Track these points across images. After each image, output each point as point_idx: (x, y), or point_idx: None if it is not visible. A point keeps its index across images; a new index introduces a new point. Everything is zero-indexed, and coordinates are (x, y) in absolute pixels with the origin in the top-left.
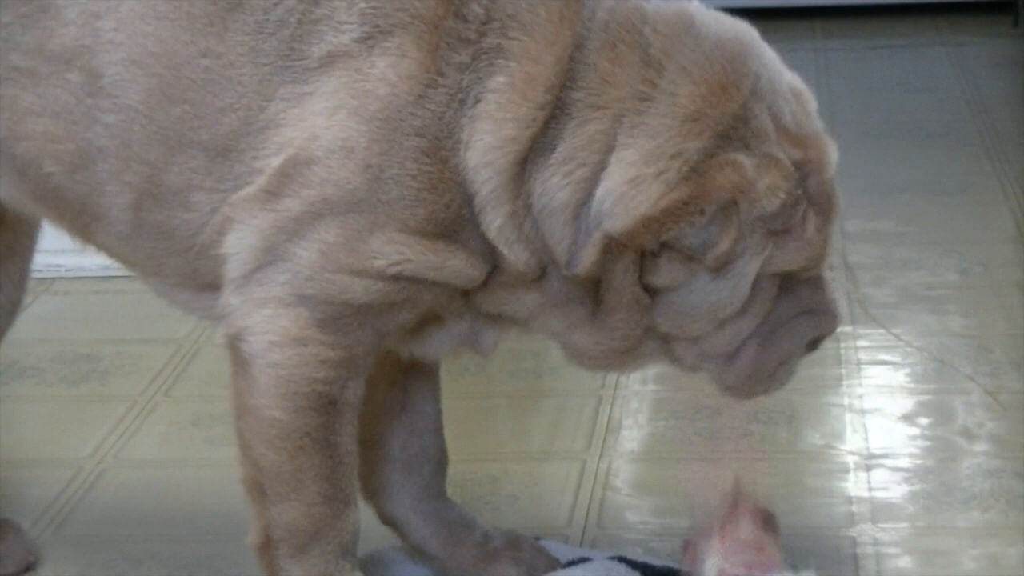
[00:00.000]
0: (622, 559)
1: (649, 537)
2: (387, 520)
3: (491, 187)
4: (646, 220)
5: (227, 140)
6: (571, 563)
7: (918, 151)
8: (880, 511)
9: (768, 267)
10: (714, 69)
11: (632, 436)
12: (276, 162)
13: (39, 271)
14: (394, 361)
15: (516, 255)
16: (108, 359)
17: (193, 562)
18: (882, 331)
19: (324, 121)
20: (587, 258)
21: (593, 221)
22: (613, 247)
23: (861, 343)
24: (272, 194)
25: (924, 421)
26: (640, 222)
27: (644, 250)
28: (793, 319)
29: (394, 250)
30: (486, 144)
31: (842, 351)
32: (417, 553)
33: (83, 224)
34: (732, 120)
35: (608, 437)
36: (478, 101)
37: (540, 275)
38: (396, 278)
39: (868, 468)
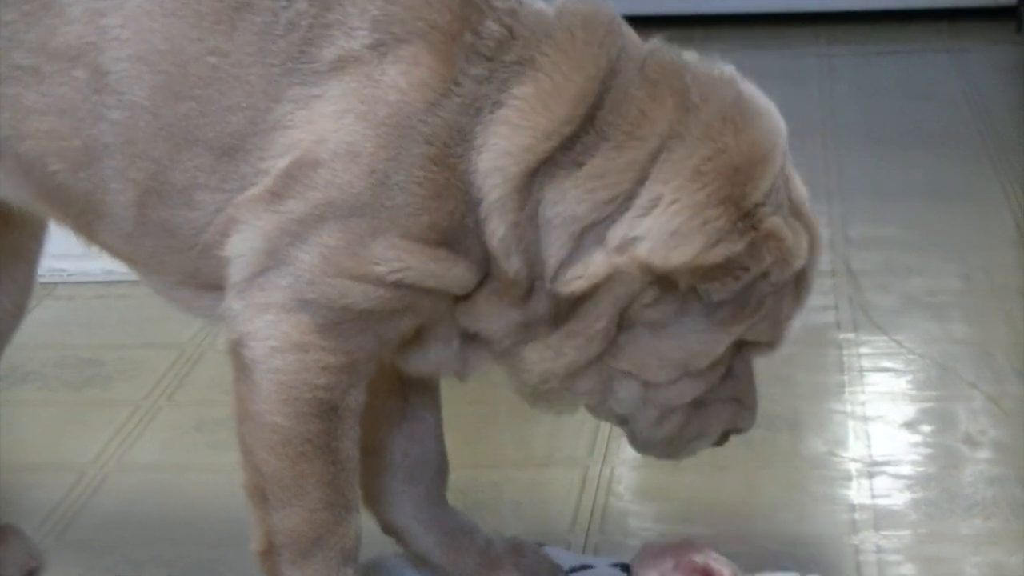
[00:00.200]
0: (625, 566)
1: (645, 544)
2: (388, 528)
3: (499, 194)
4: (695, 265)
5: (233, 139)
6: (574, 569)
7: (921, 156)
8: (883, 518)
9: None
10: (760, 128)
11: None
12: (282, 163)
13: (42, 275)
14: (394, 369)
15: (513, 266)
16: (111, 364)
17: (196, 567)
18: (884, 337)
19: (332, 124)
20: (591, 277)
21: (619, 243)
22: (626, 271)
23: (863, 349)
24: (277, 195)
25: (927, 428)
26: (689, 265)
27: (660, 283)
28: (723, 401)
29: (395, 256)
30: (500, 149)
31: (844, 358)
32: (419, 560)
33: (87, 222)
34: (772, 181)
35: (610, 443)
36: (499, 107)
37: (528, 290)
38: (397, 285)
39: (871, 475)
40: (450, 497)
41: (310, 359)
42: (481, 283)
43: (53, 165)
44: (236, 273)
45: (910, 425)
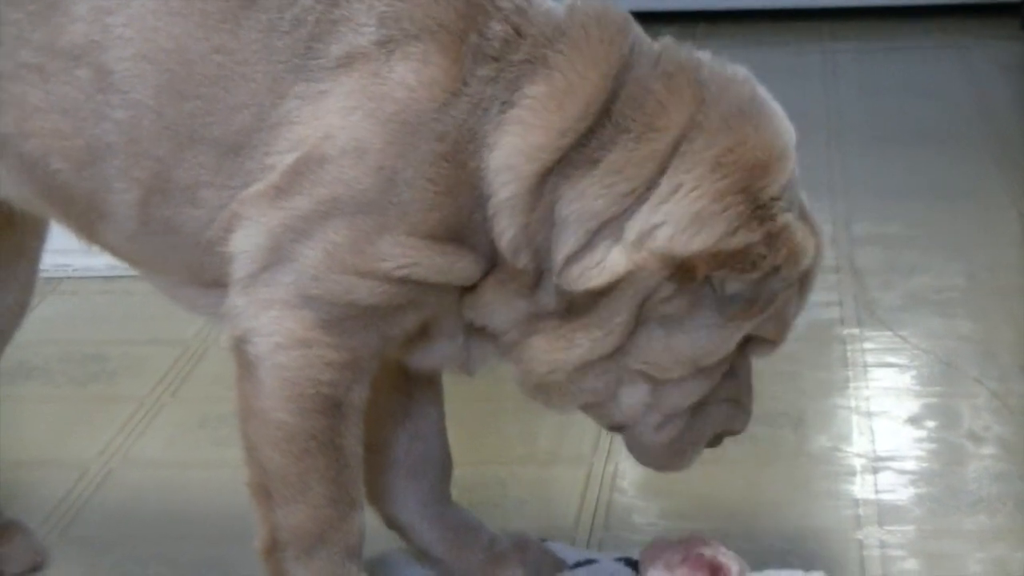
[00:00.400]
0: (629, 561)
1: (655, 538)
2: (392, 524)
3: (509, 192)
4: (715, 251)
5: (238, 137)
6: (578, 564)
7: (924, 154)
8: (887, 514)
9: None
10: (773, 128)
11: None
12: (288, 159)
13: (46, 271)
14: (397, 366)
15: (520, 261)
16: (115, 360)
17: (200, 563)
18: (889, 334)
19: (339, 121)
20: (610, 272)
21: (638, 235)
22: (645, 264)
23: (868, 346)
24: (282, 191)
25: (931, 424)
26: (710, 250)
27: (677, 276)
28: (720, 402)
29: (401, 253)
30: (513, 147)
31: (849, 354)
32: (423, 556)
33: (89, 222)
34: (788, 177)
35: (615, 440)
36: (511, 106)
37: (536, 282)
38: (403, 281)
39: (875, 471)
40: (454, 493)
41: (314, 355)
42: (487, 274)
43: (56, 164)
44: (239, 269)
45: (914, 421)
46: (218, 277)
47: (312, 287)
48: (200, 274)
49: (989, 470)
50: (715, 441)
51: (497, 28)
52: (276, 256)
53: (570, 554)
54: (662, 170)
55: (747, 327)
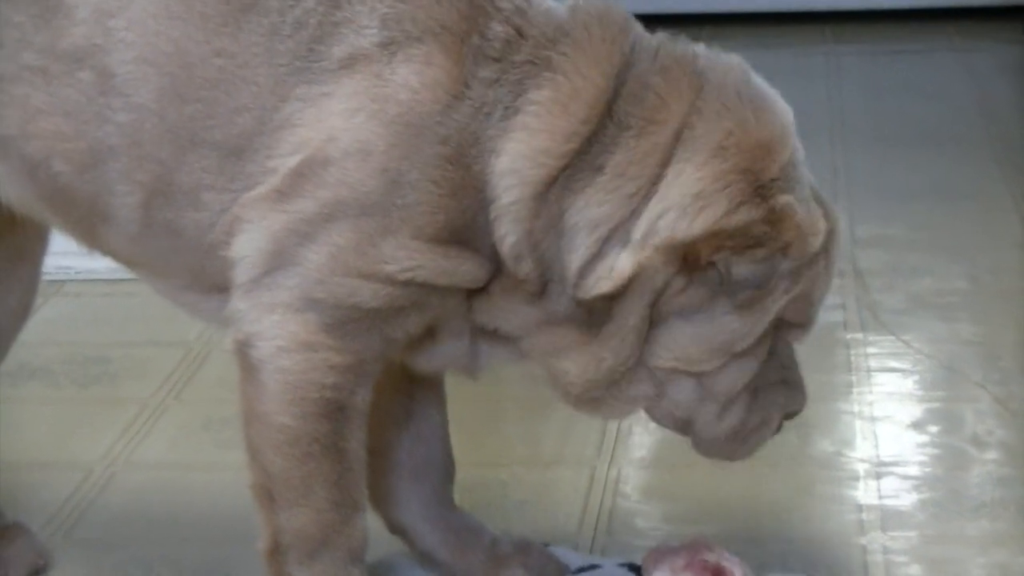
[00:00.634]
0: (632, 566)
1: (658, 543)
2: (395, 528)
3: (512, 197)
4: (717, 230)
5: (240, 140)
6: (581, 569)
7: (928, 157)
8: (890, 519)
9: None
10: (772, 111)
11: (642, 443)
12: (291, 162)
13: (49, 273)
14: (400, 369)
15: (523, 269)
16: (118, 362)
17: (202, 566)
18: (892, 338)
19: (342, 123)
20: (617, 277)
21: (645, 232)
22: (650, 263)
23: (871, 350)
24: (284, 194)
25: (934, 429)
26: (712, 230)
27: (684, 266)
28: (774, 385)
29: (405, 256)
30: (517, 152)
31: (852, 358)
32: (425, 560)
33: (91, 226)
34: (788, 158)
35: (618, 443)
36: (516, 112)
37: (541, 290)
38: (406, 283)
39: (878, 476)
40: (457, 497)
41: (318, 358)
42: (494, 276)
43: (58, 166)
44: (242, 274)
45: (917, 426)
46: (220, 281)
47: (316, 290)
48: (203, 278)
49: (992, 475)
50: (781, 424)
51: (498, 29)
52: (279, 260)
53: (573, 559)
54: (666, 162)
55: (774, 308)
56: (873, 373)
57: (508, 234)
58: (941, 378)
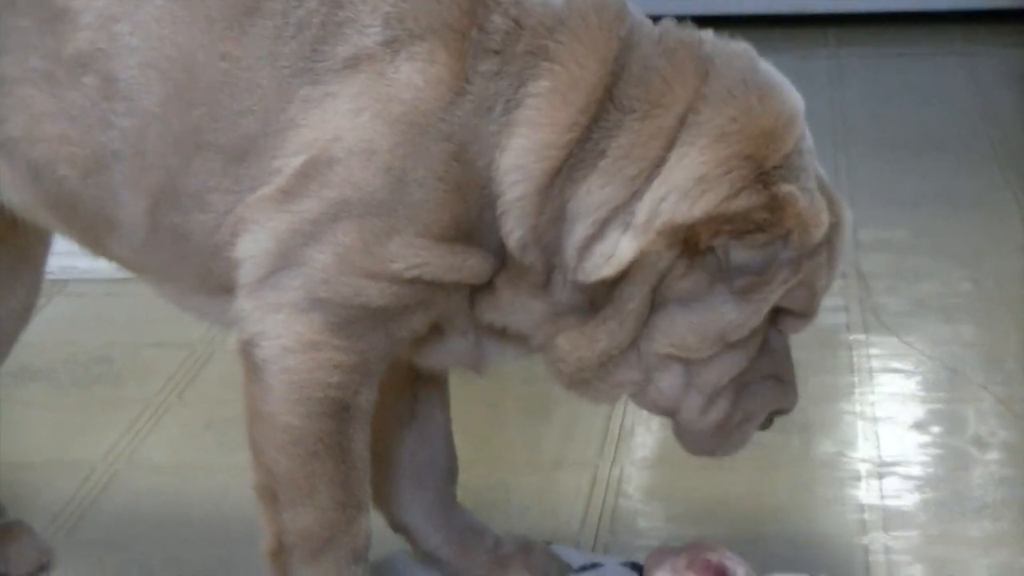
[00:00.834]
0: (634, 565)
1: (661, 543)
2: (398, 528)
3: (518, 192)
4: (717, 214)
5: (245, 142)
6: (583, 568)
7: (931, 160)
8: (892, 519)
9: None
10: (778, 98)
11: (644, 443)
12: (295, 163)
13: (52, 273)
14: (403, 369)
15: (527, 259)
16: (121, 362)
17: (205, 565)
18: (895, 339)
19: (347, 123)
20: (618, 261)
21: (647, 215)
22: (652, 247)
23: (874, 351)
24: (289, 195)
25: (936, 430)
26: (712, 213)
27: (685, 251)
28: (763, 379)
29: (412, 253)
30: (522, 147)
31: (855, 359)
32: (428, 559)
33: (96, 231)
34: (793, 146)
35: (620, 443)
36: (517, 106)
37: (546, 280)
38: (413, 281)
39: (880, 476)
40: (460, 497)
41: (323, 358)
42: (498, 272)
43: (62, 170)
44: (247, 274)
45: (920, 426)
46: (227, 283)
47: (321, 290)
48: (208, 280)
49: (994, 476)
50: (767, 423)
51: (497, 21)
52: (284, 260)
53: (575, 558)
54: (669, 145)
55: (772, 298)
56: (875, 374)
57: (515, 229)
58: (943, 379)
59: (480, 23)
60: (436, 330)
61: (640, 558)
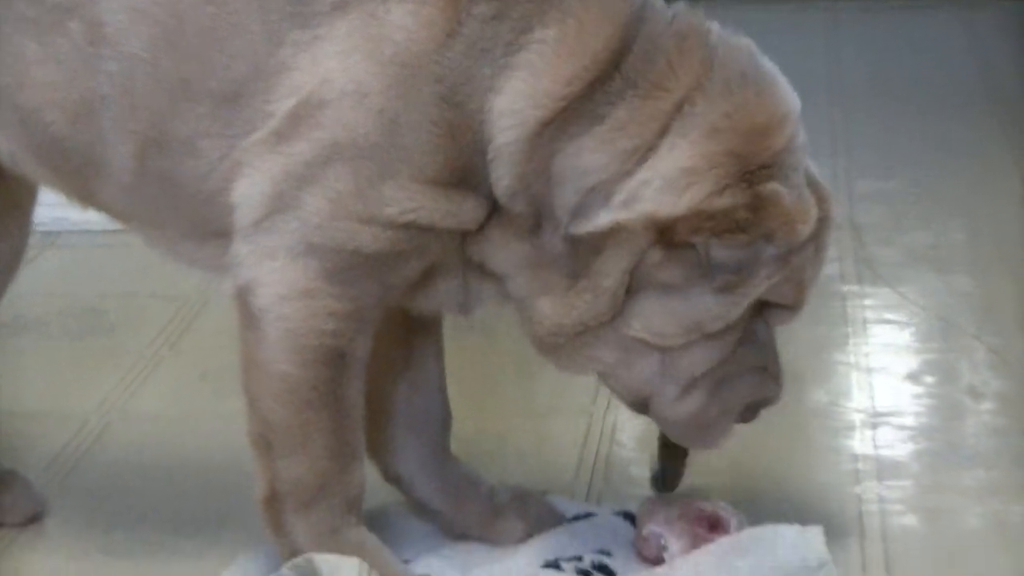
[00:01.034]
0: (627, 515)
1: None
2: (391, 478)
3: (510, 138)
4: (700, 210)
5: (235, 87)
6: (576, 518)
7: (926, 112)
8: (885, 469)
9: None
10: (774, 96)
11: None
12: (288, 105)
13: (44, 224)
14: (398, 319)
15: (516, 207)
16: (114, 313)
17: (199, 514)
18: (888, 290)
19: (337, 64)
20: (597, 224)
21: (627, 197)
22: (628, 227)
23: (867, 302)
24: (282, 137)
25: (930, 380)
26: (695, 209)
27: (663, 241)
28: (746, 372)
29: (406, 197)
30: (519, 92)
31: (848, 310)
32: (422, 509)
33: (84, 179)
34: (784, 145)
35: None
36: (519, 50)
37: (535, 226)
38: (407, 226)
39: (873, 426)
40: (454, 447)
41: (317, 306)
42: (490, 216)
43: (50, 116)
44: (243, 217)
45: (913, 376)
46: (217, 228)
47: (315, 235)
48: (199, 227)
49: (987, 425)
50: (749, 414)
51: None
52: (279, 203)
53: (569, 507)
54: (664, 131)
55: (754, 293)
56: (869, 325)
57: (504, 175)
58: (937, 330)
59: None
60: (427, 274)
61: (634, 506)
